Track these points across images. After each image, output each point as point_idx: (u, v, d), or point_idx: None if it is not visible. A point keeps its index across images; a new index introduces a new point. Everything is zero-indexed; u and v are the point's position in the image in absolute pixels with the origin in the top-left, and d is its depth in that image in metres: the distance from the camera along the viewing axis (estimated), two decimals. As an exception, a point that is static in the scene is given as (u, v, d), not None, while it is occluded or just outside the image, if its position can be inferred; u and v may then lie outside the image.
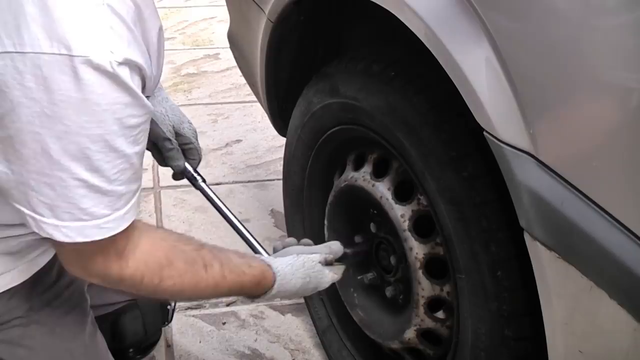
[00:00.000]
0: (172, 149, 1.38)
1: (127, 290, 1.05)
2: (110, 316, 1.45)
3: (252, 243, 1.36)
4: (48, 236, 0.89)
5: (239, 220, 1.41)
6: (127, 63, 0.82)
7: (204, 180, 1.44)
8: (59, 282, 1.19)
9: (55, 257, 1.16)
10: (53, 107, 0.80)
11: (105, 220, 0.89)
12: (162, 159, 1.41)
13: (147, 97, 0.90)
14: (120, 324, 1.47)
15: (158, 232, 1.06)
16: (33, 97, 0.80)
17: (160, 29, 0.98)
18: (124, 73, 0.82)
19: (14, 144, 0.84)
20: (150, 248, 1.00)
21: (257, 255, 1.21)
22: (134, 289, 1.02)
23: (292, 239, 1.30)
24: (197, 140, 1.43)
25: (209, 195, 1.44)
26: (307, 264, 1.20)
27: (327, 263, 1.25)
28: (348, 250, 1.34)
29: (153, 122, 1.31)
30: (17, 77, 0.80)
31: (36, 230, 0.90)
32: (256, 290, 1.15)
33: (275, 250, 1.28)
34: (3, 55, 0.81)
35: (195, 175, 1.43)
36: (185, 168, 1.42)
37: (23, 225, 1.01)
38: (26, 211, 0.89)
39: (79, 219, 0.87)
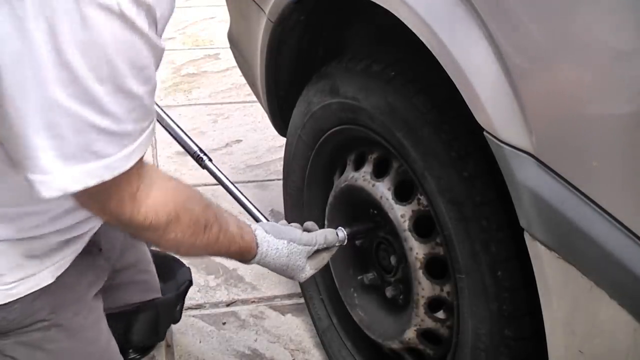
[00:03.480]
0: None
1: (130, 233, 1.05)
2: (128, 312, 1.45)
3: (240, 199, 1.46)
4: (61, 192, 0.86)
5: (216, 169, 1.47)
6: (135, 1, 0.78)
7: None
8: (79, 283, 1.19)
9: (77, 259, 1.16)
10: (58, 52, 0.76)
11: (114, 159, 0.86)
12: None
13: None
14: (136, 323, 1.48)
15: (172, 183, 1.04)
16: (36, 43, 0.76)
17: None
18: (131, 12, 0.78)
19: (15, 100, 0.80)
20: (163, 199, 0.99)
21: (252, 228, 1.21)
22: (138, 234, 1.04)
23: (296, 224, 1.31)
24: None
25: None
26: (293, 257, 1.23)
27: (316, 251, 1.27)
28: (350, 229, 1.35)
29: None
30: (17, 25, 0.76)
31: (45, 195, 0.86)
32: (236, 258, 1.20)
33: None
34: (1, 3, 0.75)
35: None
36: None
37: (42, 225, 1.02)
38: (33, 176, 0.85)
39: (90, 161, 0.84)
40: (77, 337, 1.18)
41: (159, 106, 1.46)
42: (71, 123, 0.81)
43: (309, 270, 1.26)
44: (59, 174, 0.84)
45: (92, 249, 1.22)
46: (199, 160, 1.47)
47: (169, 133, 1.50)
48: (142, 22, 0.79)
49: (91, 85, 0.79)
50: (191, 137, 1.51)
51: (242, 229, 1.17)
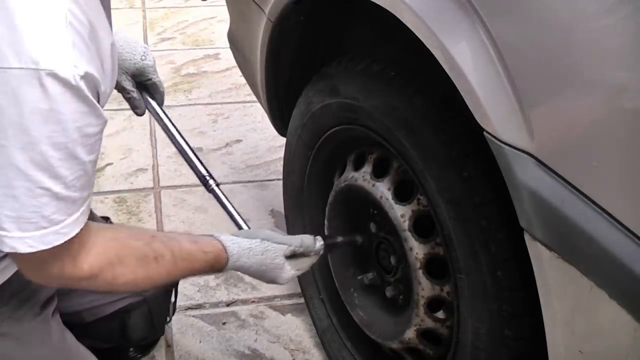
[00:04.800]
0: (129, 97, 1.43)
1: (84, 288, 1.12)
2: (120, 314, 1.47)
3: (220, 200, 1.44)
4: (12, 250, 0.93)
5: (194, 155, 1.46)
6: (86, 77, 0.87)
7: (165, 115, 1.48)
8: (20, 293, 1.22)
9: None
10: (21, 120, 0.84)
11: (62, 225, 0.94)
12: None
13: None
14: (130, 321, 1.49)
15: (109, 232, 1.10)
16: (1, 112, 0.84)
17: (113, 44, 1.03)
18: (84, 86, 0.87)
19: None
20: (102, 250, 1.05)
21: (213, 238, 1.21)
22: (90, 288, 1.10)
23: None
24: (156, 73, 1.44)
25: (168, 128, 1.48)
26: (269, 254, 1.22)
27: (293, 255, 1.26)
28: (338, 240, 1.36)
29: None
30: None
31: None
32: (208, 272, 1.22)
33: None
34: None
35: (158, 111, 1.47)
36: (151, 108, 1.46)
37: None
38: None
39: (41, 227, 0.92)
40: (23, 341, 1.22)
41: (173, 125, 1.48)
42: (27, 187, 0.88)
43: (289, 270, 1.25)
44: (14, 234, 0.92)
45: None
46: (205, 184, 1.45)
47: (180, 154, 1.49)
48: (91, 95, 0.89)
49: (47, 151, 0.87)
50: (192, 136, 1.50)
51: (198, 244, 1.18)
